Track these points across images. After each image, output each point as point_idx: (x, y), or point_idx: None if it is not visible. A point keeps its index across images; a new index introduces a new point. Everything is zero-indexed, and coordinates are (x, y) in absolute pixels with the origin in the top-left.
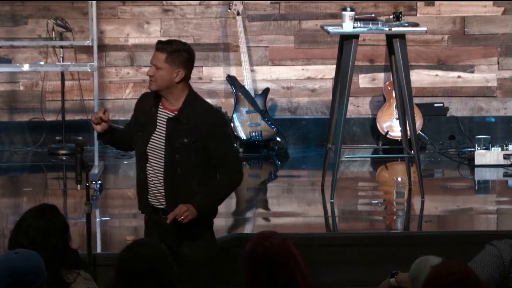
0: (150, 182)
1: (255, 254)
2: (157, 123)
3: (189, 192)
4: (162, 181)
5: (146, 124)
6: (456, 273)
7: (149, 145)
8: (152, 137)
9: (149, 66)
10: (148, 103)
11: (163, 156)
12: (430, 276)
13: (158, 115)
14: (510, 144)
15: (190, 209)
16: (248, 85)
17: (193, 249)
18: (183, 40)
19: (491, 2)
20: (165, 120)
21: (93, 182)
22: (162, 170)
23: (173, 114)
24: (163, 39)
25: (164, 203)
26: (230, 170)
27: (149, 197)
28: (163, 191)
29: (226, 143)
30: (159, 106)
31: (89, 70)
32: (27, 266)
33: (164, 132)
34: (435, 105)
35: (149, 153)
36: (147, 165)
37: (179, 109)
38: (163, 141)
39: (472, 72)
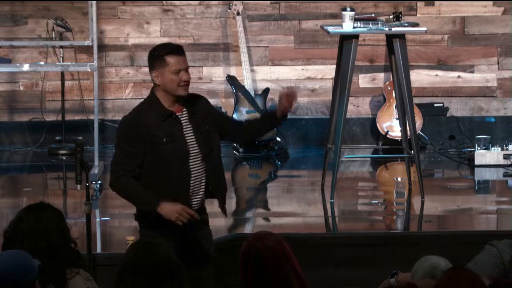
0: (192, 184)
1: (248, 255)
2: (183, 126)
3: (222, 174)
4: (205, 175)
5: (172, 132)
6: (463, 285)
7: (189, 148)
8: (188, 140)
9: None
10: (152, 117)
11: (199, 152)
12: (437, 286)
13: (181, 119)
14: (510, 144)
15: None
16: (248, 85)
17: (210, 243)
18: (183, 41)
19: (491, 2)
20: (185, 120)
21: (93, 182)
22: (203, 164)
23: (186, 111)
24: (164, 40)
25: (199, 201)
26: None
27: (193, 201)
28: (204, 186)
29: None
30: (172, 112)
31: (89, 70)
32: (13, 266)
33: (191, 130)
34: (435, 105)
35: (191, 155)
36: (191, 167)
37: (187, 103)
38: (194, 138)
39: (472, 72)
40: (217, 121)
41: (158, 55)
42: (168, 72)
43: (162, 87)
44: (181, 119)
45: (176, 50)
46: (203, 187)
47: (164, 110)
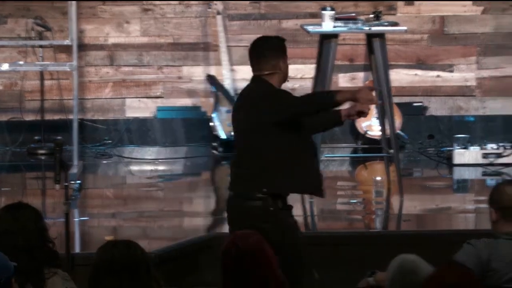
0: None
1: (228, 254)
2: None
3: None
4: None
5: None
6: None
7: None
8: None
9: (131, 65)
10: None
11: None
12: (430, 281)
13: None
14: (489, 143)
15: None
16: (228, 84)
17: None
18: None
19: (470, 2)
20: None
21: (72, 182)
22: None
23: None
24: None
25: None
26: None
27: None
28: None
29: None
30: None
31: (69, 69)
32: None
33: None
34: (414, 104)
35: None
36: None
37: None
38: None
39: (451, 71)
40: None
41: (284, 43)
42: (287, 60)
43: (283, 72)
44: None
45: None
46: None
47: None
